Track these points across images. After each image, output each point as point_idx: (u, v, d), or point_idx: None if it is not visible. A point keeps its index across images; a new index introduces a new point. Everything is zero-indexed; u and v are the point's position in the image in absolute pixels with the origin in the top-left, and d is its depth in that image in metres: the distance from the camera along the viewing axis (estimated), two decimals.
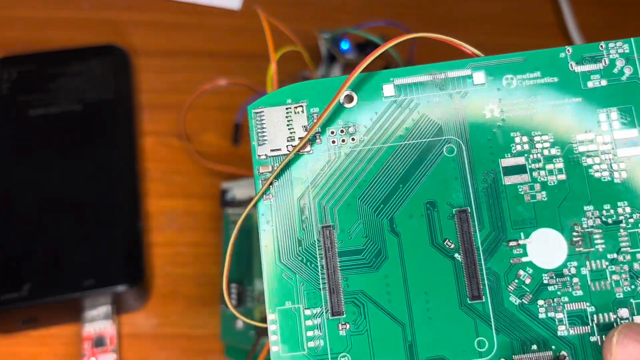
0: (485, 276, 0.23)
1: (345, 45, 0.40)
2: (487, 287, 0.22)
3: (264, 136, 0.24)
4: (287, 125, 0.24)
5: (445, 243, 0.23)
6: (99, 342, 0.35)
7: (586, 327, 0.22)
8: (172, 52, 0.44)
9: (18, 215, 0.37)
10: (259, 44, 0.37)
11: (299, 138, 0.24)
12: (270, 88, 0.33)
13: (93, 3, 0.45)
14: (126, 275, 0.35)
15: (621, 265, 0.22)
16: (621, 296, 0.22)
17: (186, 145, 0.41)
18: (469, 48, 0.24)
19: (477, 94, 0.24)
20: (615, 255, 0.22)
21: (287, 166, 0.24)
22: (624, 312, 0.22)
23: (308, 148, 0.24)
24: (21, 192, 0.37)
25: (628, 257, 0.22)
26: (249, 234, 0.36)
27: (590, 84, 0.24)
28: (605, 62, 0.24)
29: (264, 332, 0.24)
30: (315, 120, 0.24)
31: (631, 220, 0.23)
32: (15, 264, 0.35)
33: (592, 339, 0.22)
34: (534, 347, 0.22)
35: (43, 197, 0.37)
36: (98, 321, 0.35)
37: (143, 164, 0.41)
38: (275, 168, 0.24)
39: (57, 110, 0.39)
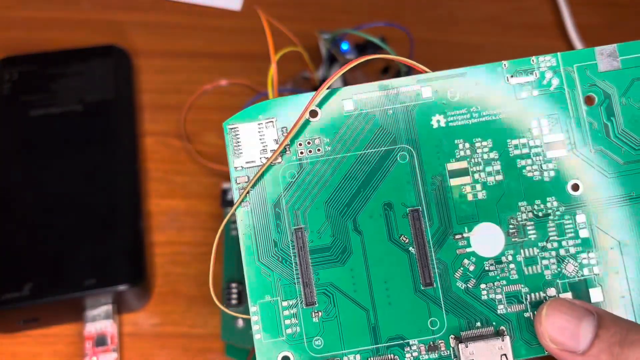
0: (435, 265, 0.26)
1: (345, 46, 0.41)
2: (437, 275, 0.26)
3: (239, 149, 0.27)
4: (260, 139, 0.27)
5: (400, 238, 0.26)
6: (100, 341, 0.35)
7: (521, 305, 0.26)
8: (172, 52, 0.44)
9: (19, 215, 0.36)
10: (259, 45, 0.37)
11: (271, 150, 0.27)
12: (270, 88, 0.34)
13: (94, 3, 0.45)
14: (127, 275, 0.35)
15: (549, 251, 0.26)
16: (550, 278, 0.26)
17: (187, 146, 0.41)
18: (419, 66, 0.27)
19: (426, 107, 0.27)
20: (545, 244, 0.26)
21: (262, 176, 0.27)
22: (551, 291, 0.26)
23: (279, 159, 0.27)
24: (22, 192, 0.37)
25: (555, 244, 0.26)
26: None
27: (523, 94, 0.27)
28: (536, 74, 0.27)
29: None
30: (284, 135, 0.27)
31: (558, 213, 0.27)
32: (16, 263, 0.35)
33: (526, 314, 0.26)
34: (478, 324, 0.26)
35: (44, 197, 0.37)
36: (99, 320, 0.35)
37: (144, 164, 0.41)
38: (251, 178, 0.27)
39: (58, 111, 0.39)
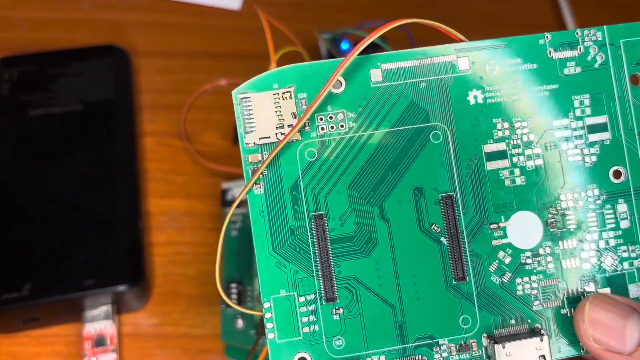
0: (469, 258, 0.24)
1: (345, 46, 0.40)
2: (470, 268, 0.24)
3: (251, 123, 0.23)
4: (276, 111, 0.23)
5: (432, 228, 0.24)
6: (99, 341, 0.35)
7: (557, 301, 0.24)
8: (172, 52, 0.44)
9: (19, 215, 0.36)
10: (259, 44, 0.36)
11: (289, 125, 0.23)
12: None
13: (93, 3, 0.46)
14: (127, 275, 0.35)
15: (589, 243, 0.24)
16: (588, 272, 0.24)
17: (186, 145, 0.41)
18: (454, 33, 0.24)
19: (462, 80, 0.24)
20: (584, 234, 0.24)
21: (277, 155, 0.23)
22: (590, 287, 0.24)
23: (297, 136, 0.23)
24: (22, 192, 0.37)
25: (595, 235, 0.24)
26: (249, 234, 0.36)
27: (566, 71, 0.25)
28: (580, 49, 0.25)
29: (263, 331, 0.24)
30: (304, 108, 0.23)
31: (598, 202, 0.24)
32: (15, 263, 0.35)
33: (563, 311, 0.24)
34: (513, 321, 0.24)
35: (43, 197, 0.37)
36: (98, 321, 0.35)
37: (143, 164, 0.41)
38: (265, 156, 0.23)
39: (58, 111, 0.39)
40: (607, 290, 0.24)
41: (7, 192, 0.37)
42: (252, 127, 0.23)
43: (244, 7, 0.46)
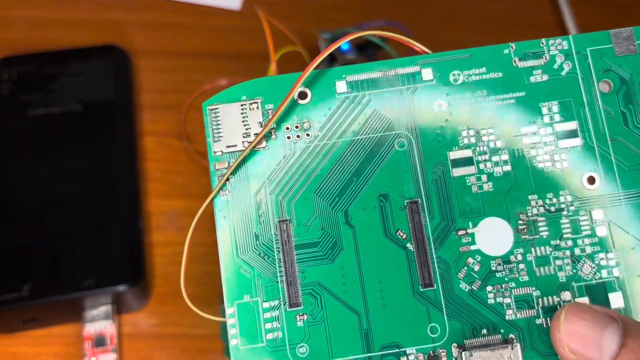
0: (436, 264, 0.23)
1: (345, 46, 0.40)
2: (438, 275, 0.23)
3: (219, 133, 0.24)
4: (243, 121, 0.24)
5: (397, 233, 0.24)
6: (99, 341, 0.35)
7: (532, 310, 0.23)
8: (172, 52, 0.44)
9: (18, 215, 0.37)
10: (259, 44, 0.36)
11: (255, 134, 0.24)
12: None
13: (93, 3, 0.45)
14: (126, 275, 0.35)
15: (563, 250, 0.24)
16: (564, 280, 0.23)
17: (186, 145, 0.41)
18: (417, 45, 0.25)
19: (426, 90, 0.25)
20: (558, 242, 0.24)
21: (243, 162, 0.24)
22: (566, 295, 0.23)
23: (264, 144, 0.24)
24: (21, 192, 0.37)
25: (570, 242, 0.24)
26: None
27: (532, 79, 0.25)
28: (546, 57, 0.25)
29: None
30: (270, 117, 0.24)
31: (572, 207, 0.24)
32: (15, 263, 0.35)
33: (538, 321, 0.23)
34: (484, 331, 0.23)
35: (43, 197, 0.37)
36: (98, 321, 0.35)
37: (143, 164, 0.41)
38: (232, 164, 0.24)
39: (58, 110, 0.39)
40: (586, 299, 0.23)
41: (7, 192, 0.37)
42: (219, 136, 0.24)
43: (244, 7, 0.46)
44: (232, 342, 0.23)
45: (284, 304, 0.23)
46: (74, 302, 0.35)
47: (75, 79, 0.40)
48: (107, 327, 0.35)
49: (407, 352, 0.23)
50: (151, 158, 0.41)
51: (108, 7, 0.45)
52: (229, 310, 0.23)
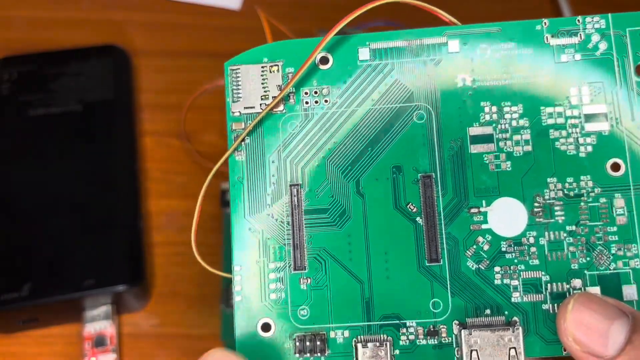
0: (444, 240, 0.23)
1: None
2: (445, 251, 0.23)
3: (238, 93, 0.24)
4: (262, 83, 0.24)
5: (408, 206, 0.23)
6: (99, 342, 0.35)
7: (539, 295, 0.23)
8: (172, 52, 0.44)
9: (18, 215, 0.37)
10: (259, 44, 0.36)
11: (273, 97, 0.24)
12: None
13: (93, 3, 0.45)
14: (126, 275, 0.35)
15: (579, 237, 0.23)
16: (576, 267, 0.23)
17: (186, 145, 0.41)
18: (446, 16, 0.24)
19: (451, 62, 0.24)
20: (574, 228, 0.23)
21: (260, 124, 0.24)
22: (577, 283, 0.23)
23: (281, 107, 0.24)
24: (21, 192, 0.37)
25: (586, 230, 0.23)
26: None
27: (564, 58, 0.24)
28: (581, 36, 0.24)
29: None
30: (289, 80, 0.24)
31: (592, 194, 0.23)
32: (15, 263, 0.35)
33: (545, 306, 0.23)
34: (488, 311, 0.23)
35: (43, 197, 0.37)
36: (98, 321, 0.35)
37: (143, 164, 0.41)
38: (248, 125, 0.24)
39: (57, 110, 0.39)
40: (597, 289, 0.23)
41: (7, 192, 0.37)
42: (239, 96, 0.24)
43: (244, 7, 0.46)
44: (237, 299, 0.23)
45: (289, 267, 0.23)
46: (74, 302, 0.35)
47: (75, 79, 0.40)
48: (107, 327, 0.35)
49: (407, 324, 0.23)
50: (151, 158, 0.41)
51: (108, 7, 0.45)
52: (235, 268, 0.23)
